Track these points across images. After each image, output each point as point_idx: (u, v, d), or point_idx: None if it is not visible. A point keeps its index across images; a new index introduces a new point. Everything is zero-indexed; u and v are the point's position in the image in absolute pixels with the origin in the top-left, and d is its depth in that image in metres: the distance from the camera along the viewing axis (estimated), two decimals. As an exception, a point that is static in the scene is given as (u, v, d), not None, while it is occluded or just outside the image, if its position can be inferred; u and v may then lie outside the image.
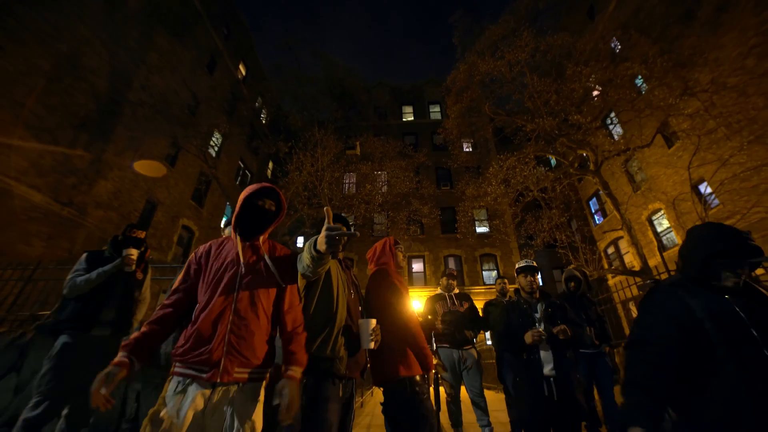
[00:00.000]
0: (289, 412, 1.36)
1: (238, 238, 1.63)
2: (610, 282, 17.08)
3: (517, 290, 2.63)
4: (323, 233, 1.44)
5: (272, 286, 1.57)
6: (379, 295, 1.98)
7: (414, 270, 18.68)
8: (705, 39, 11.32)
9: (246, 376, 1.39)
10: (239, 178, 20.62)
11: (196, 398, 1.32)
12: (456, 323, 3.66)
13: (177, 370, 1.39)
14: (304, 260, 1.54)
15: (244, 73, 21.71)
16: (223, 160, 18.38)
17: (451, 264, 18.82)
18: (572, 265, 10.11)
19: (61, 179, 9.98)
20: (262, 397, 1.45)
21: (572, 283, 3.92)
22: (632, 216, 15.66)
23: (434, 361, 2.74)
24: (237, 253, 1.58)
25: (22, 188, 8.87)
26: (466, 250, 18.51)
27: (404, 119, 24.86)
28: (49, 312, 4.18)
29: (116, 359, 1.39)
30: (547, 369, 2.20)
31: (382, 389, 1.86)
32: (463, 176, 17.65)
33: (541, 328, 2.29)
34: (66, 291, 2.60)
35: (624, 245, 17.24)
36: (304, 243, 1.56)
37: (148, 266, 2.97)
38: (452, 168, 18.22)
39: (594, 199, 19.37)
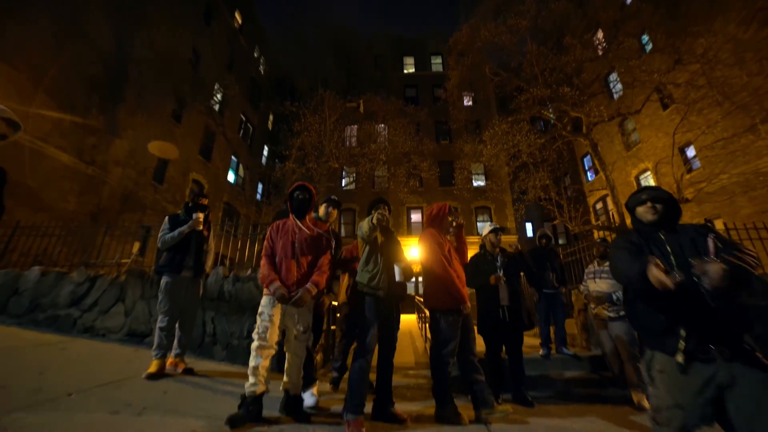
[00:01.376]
0: (301, 302, 2.42)
1: (296, 219, 2.73)
2: (596, 236, 18.42)
3: (482, 245, 3.67)
4: (375, 215, 2.58)
5: (315, 246, 2.66)
6: (424, 253, 2.98)
7: (413, 220, 19.97)
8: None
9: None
10: (242, 131, 20.94)
11: (279, 307, 2.47)
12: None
13: (268, 292, 2.49)
14: (364, 229, 2.61)
15: (240, 21, 20.93)
16: (225, 115, 18.60)
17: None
18: (557, 220, 11.18)
19: (82, 140, 10.58)
20: (312, 308, 2.62)
21: (543, 240, 4.98)
22: (621, 174, 16.50)
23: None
24: (294, 229, 2.67)
25: (51, 149, 9.55)
26: (462, 202, 19.53)
27: (405, 71, 24.41)
28: (128, 260, 5.25)
29: (280, 290, 2.45)
30: (503, 300, 3.31)
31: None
32: (462, 133, 18.13)
33: (501, 273, 3.35)
34: (159, 245, 3.58)
35: (611, 202, 18.34)
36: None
37: (210, 225, 3.92)
38: (452, 126, 18.59)
39: (588, 157, 20.04)
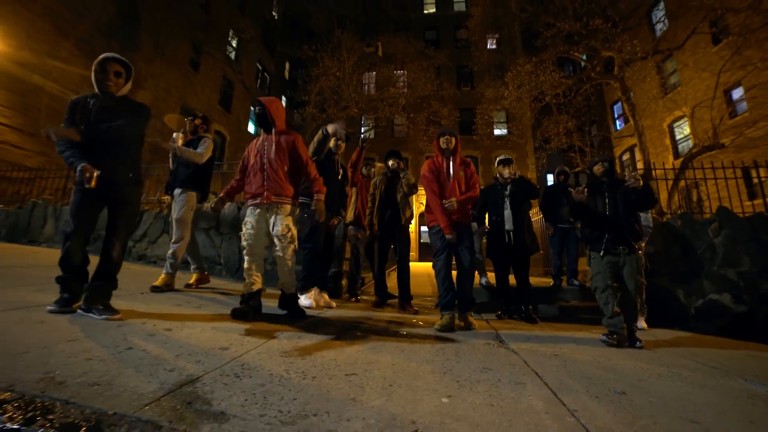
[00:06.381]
0: (321, 215, 2.80)
1: (263, 132, 2.80)
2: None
3: (495, 177, 3.87)
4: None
5: (285, 155, 2.71)
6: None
7: (432, 171, 19.91)
8: None
9: (278, 200, 2.65)
10: (259, 81, 20.64)
11: (257, 212, 2.71)
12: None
13: (248, 202, 2.76)
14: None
15: (249, -43, 19.62)
16: (242, 63, 18.26)
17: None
18: (579, 167, 10.92)
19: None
20: (291, 214, 2.71)
21: (561, 176, 5.03)
22: (654, 121, 15.57)
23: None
24: (263, 141, 2.75)
25: (81, 98, 9.87)
26: (483, 151, 19.13)
27: (425, 11, 22.74)
28: (167, 197, 5.71)
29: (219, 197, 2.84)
30: (507, 226, 3.59)
31: None
32: (484, 77, 17.24)
33: (508, 201, 3.58)
34: None
35: (639, 151, 17.53)
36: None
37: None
38: (474, 68, 17.65)
39: (619, 104, 18.84)
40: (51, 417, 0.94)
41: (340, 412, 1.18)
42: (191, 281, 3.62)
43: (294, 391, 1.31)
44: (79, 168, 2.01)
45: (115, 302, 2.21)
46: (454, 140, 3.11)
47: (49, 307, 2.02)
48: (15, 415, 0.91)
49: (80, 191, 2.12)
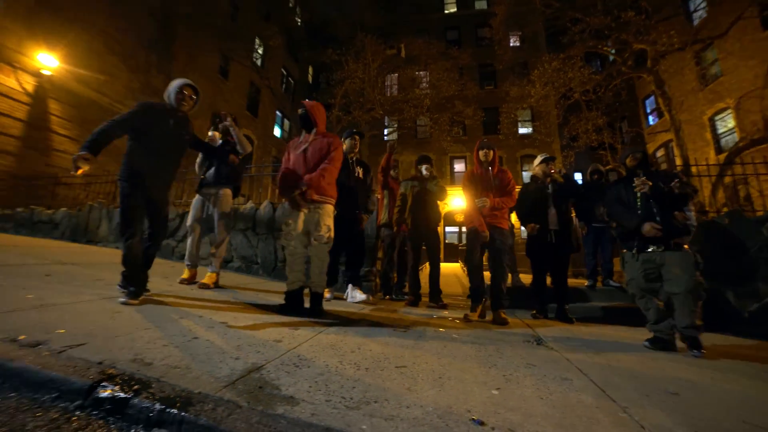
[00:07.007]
0: (295, 204, 2.63)
1: (305, 132, 2.87)
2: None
3: (533, 176, 3.85)
4: None
5: (318, 151, 2.72)
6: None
7: (456, 170, 19.72)
8: None
9: (320, 199, 2.66)
10: (284, 86, 21.26)
11: (302, 214, 2.72)
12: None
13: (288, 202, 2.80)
14: None
15: (275, -33, 20.28)
16: (268, 69, 18.88)
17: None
18: (610, 165, 10.53)
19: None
20: (331, 214, 2.74)
21: (595, 175, 4.92)
22: (693, 115, 14.71)
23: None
24: (304, 141, 2.81)
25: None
26: (507, 150, 18.71)
27: (446, 11, 22.61)
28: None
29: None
30: (552, 224, 3.55)
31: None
32: (508, 75, 16.92)
33: (551, 200, 3.55)
34: None
35: (676, 146, 16.61)
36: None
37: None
38: (498, 67, 17.37)
39: (651, 99, 17.95)
40: (151, 391, 1.07)
41: (399, 400, 1.25)
42: (184, 276, 3.53)
43: (352, 381, 1.40)
44: (77, 154, 2.11)
45: (173, 298, 2.40)
46: (492, 153, 3.38)
47: (120, 299, 2.23)
48: (125, 387, 1.04)
49: (125, 192, 2.34)
